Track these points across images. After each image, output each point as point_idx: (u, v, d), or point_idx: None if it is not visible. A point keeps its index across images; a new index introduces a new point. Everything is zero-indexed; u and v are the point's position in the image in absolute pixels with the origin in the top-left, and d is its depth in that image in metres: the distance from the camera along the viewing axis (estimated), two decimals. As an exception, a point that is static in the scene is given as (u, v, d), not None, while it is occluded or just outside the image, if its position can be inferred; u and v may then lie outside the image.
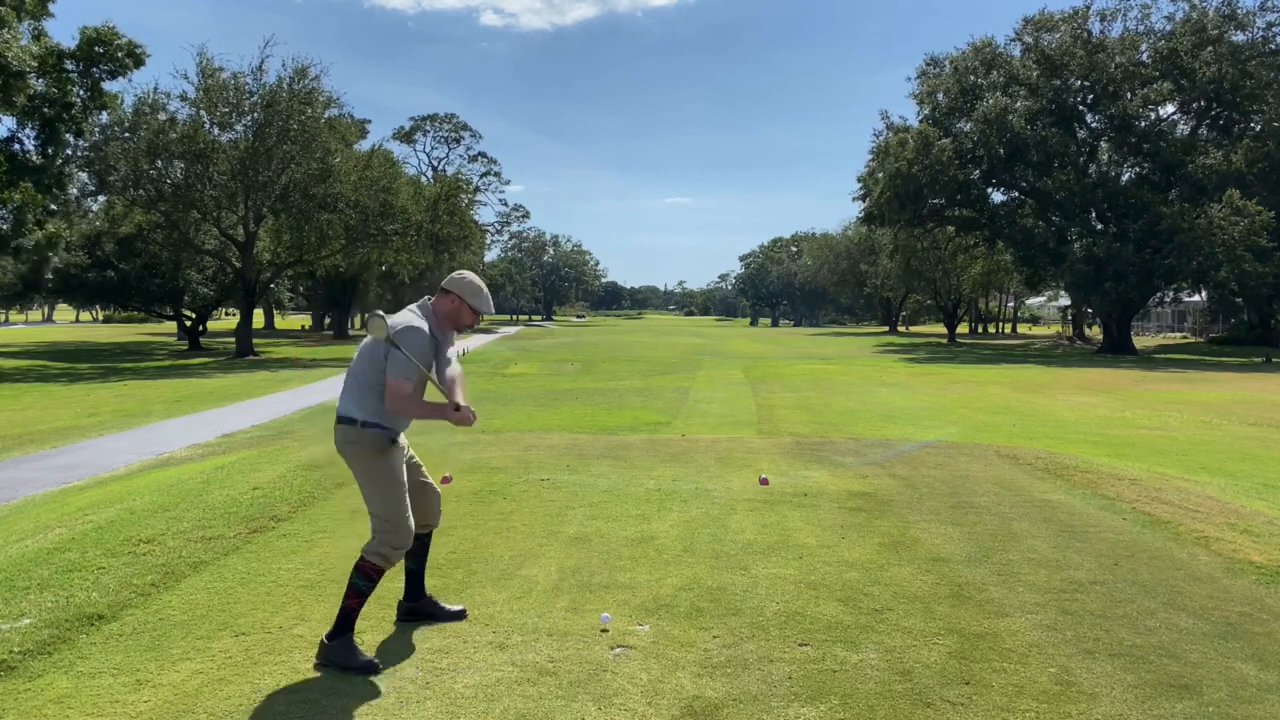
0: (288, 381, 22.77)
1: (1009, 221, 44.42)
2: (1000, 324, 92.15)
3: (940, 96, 44.45)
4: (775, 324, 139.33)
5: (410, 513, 3.99)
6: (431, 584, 4.84)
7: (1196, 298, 55.51)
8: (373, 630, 4.17)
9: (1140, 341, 51.06)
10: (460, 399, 4.01)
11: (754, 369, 26.38)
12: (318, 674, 3.69)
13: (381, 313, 4.01)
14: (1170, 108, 41.54)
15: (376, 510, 3.94)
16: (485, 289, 4.08)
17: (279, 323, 78.18)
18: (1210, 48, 38.70)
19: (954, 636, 4.09)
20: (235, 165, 33.48)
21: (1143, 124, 41.00)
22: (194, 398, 18.29)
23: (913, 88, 46.44)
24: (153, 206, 34.39)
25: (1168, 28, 40.90)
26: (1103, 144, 43.26)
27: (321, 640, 3.81)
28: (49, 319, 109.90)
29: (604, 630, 4.18)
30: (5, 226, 27.53)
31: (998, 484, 7.74)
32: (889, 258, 62.77)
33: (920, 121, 44.59)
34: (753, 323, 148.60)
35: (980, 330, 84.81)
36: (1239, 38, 39.42)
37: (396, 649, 3.94)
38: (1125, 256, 37.07)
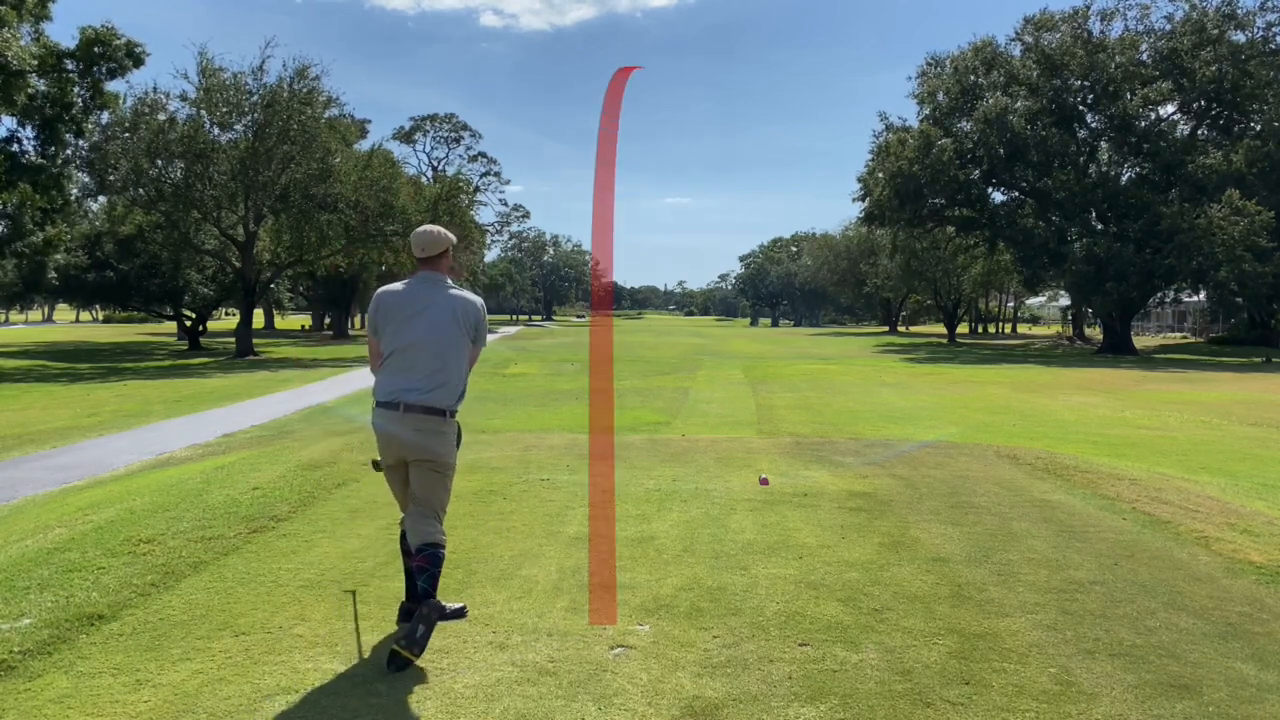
0: (288, 381, 22.78)
1: (1009, 221, 44.44)
2: (1000, 324, 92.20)
3: (940, 96, 44.46)
4: (775, 324, 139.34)
5: None
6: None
7: (1196, 298, 55.50)
8: (373, 630, 4.17)
9: (1140, 341, 51.08)
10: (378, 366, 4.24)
11: (754, 369, 26.38)
12: (318, 674, 3.69)
13: None
14: (1170, 108, 41.56)
15: (446, 504, 4.20)
16: (420, 231, 4.26)
17: (279, 323, 78.21)
18: (1210, 47, 38.71)
19: (954, 636, 4.09)
20: (235, 165, 33.49)
21: (1143, 124, 41.00)
22: (194, 398, 18.30)
23: (913, 88, 46.51)
24: (153, 206, 34.40)
25: (1168, 27, 40.93)
26: (1103, 144, 43.27)
27: (424, 606, 3.81)
28: (49, 319, 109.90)
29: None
30: (3, 229, 27.55)
31: (998, 484, 7.74)
32: (889, 258, 62.81)
33: (920, 121, 44.61)
34: (753, 323, 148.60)
35: (980, 330, 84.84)
36: (1239, 37, 39.44)
37: (396, 649, 3.93)
38: (1125, 256, 37.08)
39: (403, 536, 4.28)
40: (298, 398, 18.35)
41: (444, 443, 4.09)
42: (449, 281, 4.22)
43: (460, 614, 4.30)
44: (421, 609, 3.80)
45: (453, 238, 4.32)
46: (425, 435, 4.03)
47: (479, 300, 4.26)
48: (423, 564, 3.98)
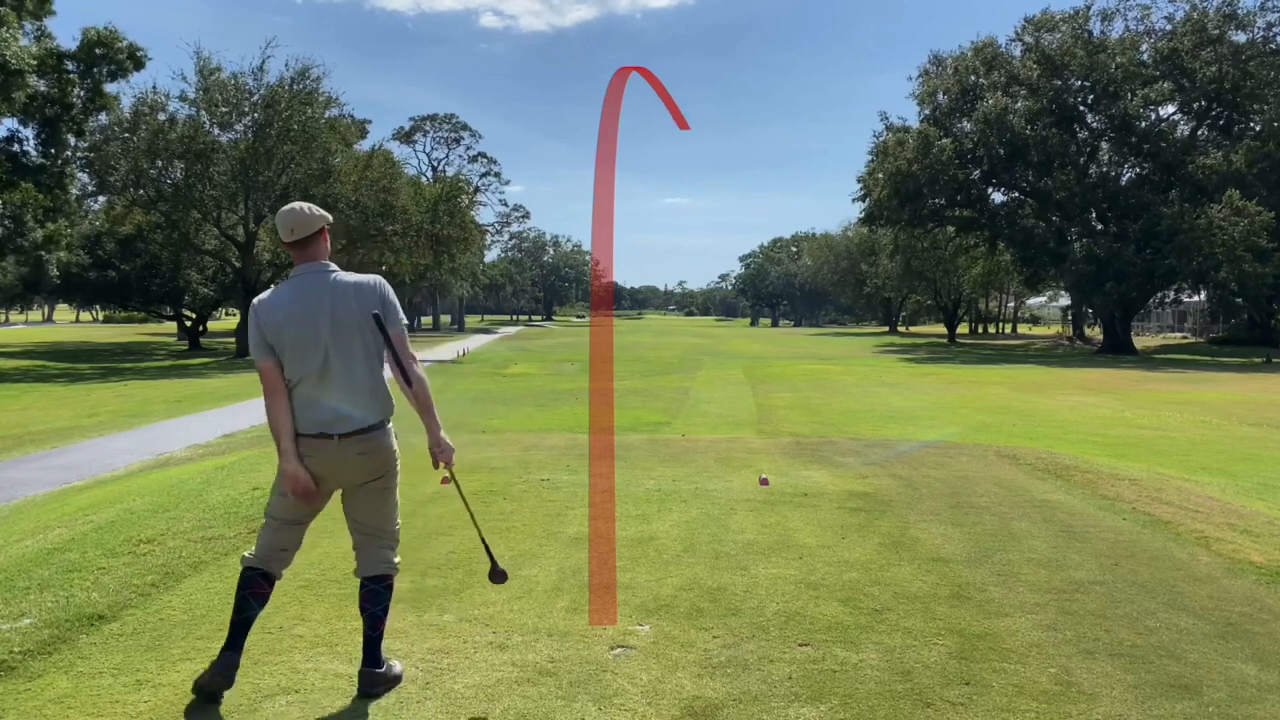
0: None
1: (1009, 222, 44.47)
2: (1000, 324, 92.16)
3: (941, 96, 44.48)
4: (775, 324, 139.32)
5: None
6: (432, 584, 4.86)
7: (1197, 298, 55.52)
8: (373, 630, 4.16)
9: (1140, 341, 51.07)
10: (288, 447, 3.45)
11: (754, 369, 26.38)
12: (317, 674, 3.69)
13: None
14: (1170, 108, 41.59)
15: (397, 519, 3.76)
16: (286, 210, 3.58)
17: (279, 323, 78.07)
18: (1210, 48, 38.72)
19: (954, 636, 4.09)
20: (235, 165, 33.50)
21: (1143, 124, 41.01)
22: (194, 398, 18.30)
23: (913, 87, 46.55)
24: (153, 207, 34.43)
25: (1168, 28, 40.93)
26: (1103, 144, 43.29)
27: (367, 671, 3.53)
28: (49, 319, 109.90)
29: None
30: (9, 223, 27.57)
31: (998, 484, 7.74)
32: (889, 258, 62.84)
33: (920, 121, 44.62)
34: (753, 323, 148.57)
35: (980, 330, 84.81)
36: (1239, 38, 39.45)
37: (396, 649, 3.93)
38: (1126, 257, 37.09)
39: (250, 579, 3.58)
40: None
41: (390, 455, 3.62)
42: (332, 267, 3.57)
43: (397, 680, 3.62)
44: (363, 676, 3.52)
45: (327, 216, 3.65)
46: (369, 456, 3.53)
47: (375, 278, 3.64)
48: (368, 600, 3.60)
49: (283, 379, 3.48)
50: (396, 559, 3.73)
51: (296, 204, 3.60)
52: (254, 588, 3.55)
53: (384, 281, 3.62)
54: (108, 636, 4.07)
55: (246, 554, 3.65)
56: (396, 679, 3.60)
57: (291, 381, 3.48)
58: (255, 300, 3.57)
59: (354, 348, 3.48)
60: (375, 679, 3.52)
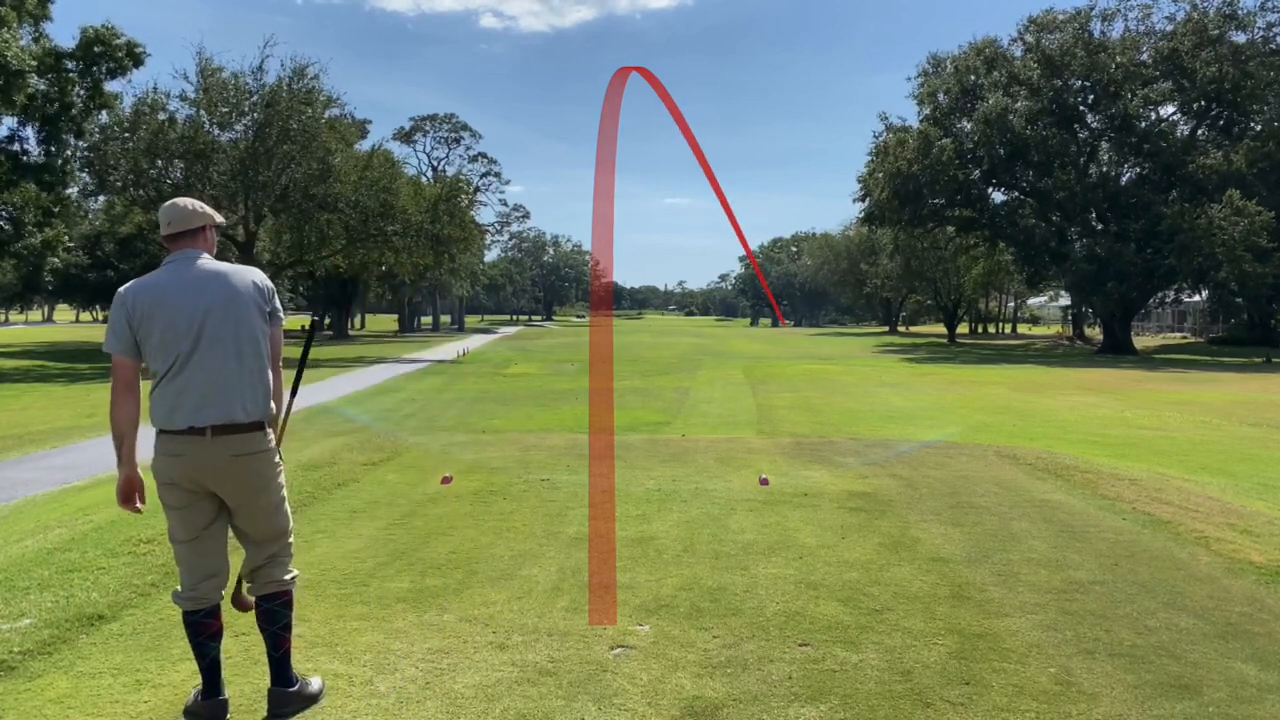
0: (287, 381, 22.74)
1: (1009, 221, 44.49)
2: (1000, 324, 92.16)
3: (941, 96, 44.49)
4: (775, 324, 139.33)
5: None
6: (431, 584, 4.85)
7: (1197, 298, 55.52)
8: (373, 630, 4.17)
9: (1140, 342, 51.07)
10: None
11: (754, 369, 26.38)
12: (317, 674, 3.68)
13: None
14: (1170, 108, 41.61)
15: (290, 524, 3.56)
16: (169, 204, 3.36)
17: (279, 323, 78.03)
18: (1211, 48, 38.74)
19: (954, 636, 4.09)
20: (235, 165, 33.50)
21: (1143, 124, 41.03)
22: (194, 398, 18.25)
23: (913, 87, 46.53)
24: (153, 207, 34.40)
25: (1168, 28, 40.95)
26: (1103, 144, 43.31)
27: (277, 691, 3.35)
28: (49, 319, 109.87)
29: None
30: (6, 227, 27.57)
31: (998, 484, 7.74)
32: (889, 258, 62.87)
33: (920, 121, 44.63)
34: (753, 323, 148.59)
35: (980, 330, 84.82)
36: (1239, 38, 39.48)
37: (396, 649, 3.94)
38: (1126, 257, 37.13)
39: (195, 624, 3.31)
40: (297, 398, 18.34)
41: (270, 458, 3.41)
42: (209, 257, 3.33)
43: (313, 698, 3.42)
44: (272, 697, 3.33)
45: (214, 216, 3.41)
46: (246, 460, 3.26)
47: (263, 275, 3.45)
48: (266, 620, 3.38)
49: (138, 377, 3.18)
50: (292, 573, 3.49)
51: (184, 199, 3.38)
52: (204, 631, 3.28)
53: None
54: (108, 636, 4.07)
55: (176, 592, 3.35)
56: (313, 698, 3.39)
57: (157, 375, 3.17)
58: (124, 287, 3.25)
59: (236, 339, 3.23)
60: (286, 699, 3.33)
